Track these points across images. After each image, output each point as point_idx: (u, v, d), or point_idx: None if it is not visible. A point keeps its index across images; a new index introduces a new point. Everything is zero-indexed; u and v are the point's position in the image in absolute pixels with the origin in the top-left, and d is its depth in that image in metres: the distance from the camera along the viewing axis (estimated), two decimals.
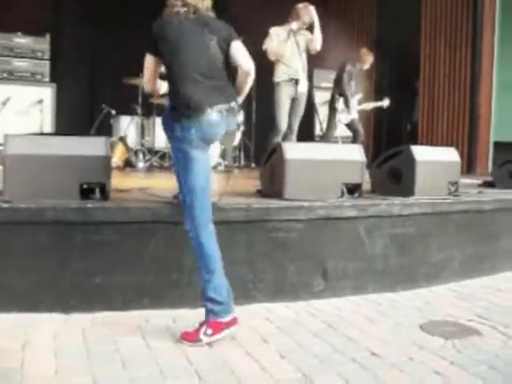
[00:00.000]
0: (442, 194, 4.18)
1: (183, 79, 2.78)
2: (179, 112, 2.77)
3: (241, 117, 2.95)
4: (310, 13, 5.73)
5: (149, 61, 2.91)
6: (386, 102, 7.55)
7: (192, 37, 2.81)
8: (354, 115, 7.10)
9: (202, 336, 2.69)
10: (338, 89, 7.02)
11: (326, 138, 7.22)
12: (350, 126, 7.19)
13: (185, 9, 2.83)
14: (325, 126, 7.28)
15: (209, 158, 2.88)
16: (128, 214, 3.16)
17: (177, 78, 2.81)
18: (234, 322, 2.75)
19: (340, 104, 6.99)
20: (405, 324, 3.10)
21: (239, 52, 2.86)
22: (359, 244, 3.65)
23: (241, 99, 2.96)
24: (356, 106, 7.20)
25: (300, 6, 5.86)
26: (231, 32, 2.88)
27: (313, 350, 2.67)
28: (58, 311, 3.05)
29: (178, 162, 2.83)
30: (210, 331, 2.69)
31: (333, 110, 7.06)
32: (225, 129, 2.85)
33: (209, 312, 2.72)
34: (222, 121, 2.79)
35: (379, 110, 9.95)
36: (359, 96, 7.28)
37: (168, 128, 2.88)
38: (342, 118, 7.02)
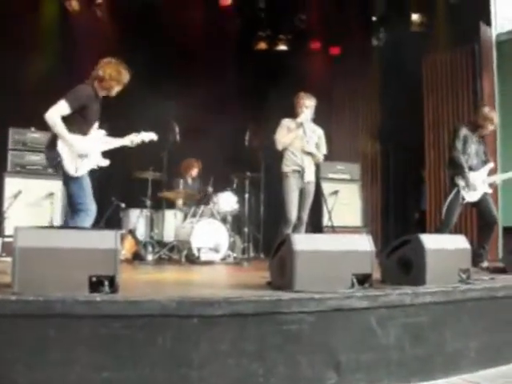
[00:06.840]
0: (453, 282, 4.12)
1: None
2: None
3: None
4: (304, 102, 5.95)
5: None
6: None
7: None
8: (482, 190, 5.99)
9: None
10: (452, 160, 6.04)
11: (445, 225, 5.97)
12: (478, 205, 6.09)
13: None
14: (443, 211, 6.02)
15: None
16: (137, 307, 3.12)
17: None
18: None
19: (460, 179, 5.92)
20: None
21: None
22: (372, 335, 3.57)
23: None
24: (485, 178, 6.06)
25: (296, 97, 6.06)
26: None
27: None
28: None
29: None
30: None
31: (453, 187, 6.00)
32: None
33: None
34: None
35: (386, 197, 10.07)
36: (489, 166, 6.16)
37: None
38: (466, 195, 5.93)
